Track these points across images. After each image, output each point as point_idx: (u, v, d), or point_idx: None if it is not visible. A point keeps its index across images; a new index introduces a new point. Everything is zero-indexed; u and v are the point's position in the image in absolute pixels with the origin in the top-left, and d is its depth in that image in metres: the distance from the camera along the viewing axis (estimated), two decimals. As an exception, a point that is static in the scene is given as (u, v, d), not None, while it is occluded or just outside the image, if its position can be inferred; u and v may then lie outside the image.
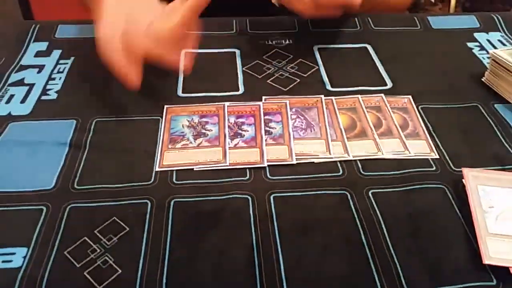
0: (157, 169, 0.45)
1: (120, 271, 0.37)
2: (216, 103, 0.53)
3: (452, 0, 1.90)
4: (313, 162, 0.46)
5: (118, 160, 0.46)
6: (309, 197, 0.43)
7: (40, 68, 0.60)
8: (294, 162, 0.46)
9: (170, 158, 0.46)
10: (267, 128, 0.50)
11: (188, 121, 0.51)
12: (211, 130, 0.50)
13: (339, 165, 0.46)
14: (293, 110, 0.52)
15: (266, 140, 0.48)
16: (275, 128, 0.50)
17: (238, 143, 0.48)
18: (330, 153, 0.47)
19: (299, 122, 0.51)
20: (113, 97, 0.55)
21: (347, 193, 0.43)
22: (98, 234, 0.40)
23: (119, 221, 0.41)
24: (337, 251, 0.38)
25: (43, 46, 0.64)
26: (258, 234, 0.39)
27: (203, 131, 0.50)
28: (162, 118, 0.52)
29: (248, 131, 0.50)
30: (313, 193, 0.43)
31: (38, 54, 0.62)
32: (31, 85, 0.57)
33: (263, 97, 0.54)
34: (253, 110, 0.52)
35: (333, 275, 0.37)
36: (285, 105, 0.53)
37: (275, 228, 0.40)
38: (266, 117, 0.51)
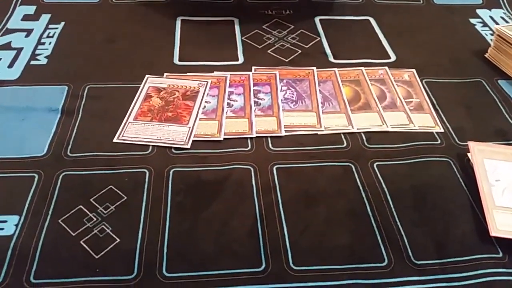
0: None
1: (118, 240, 0.35)
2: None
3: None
4: (316, 134, 0.45)
5: (113, 128, 0.44)
6: (313, 169, 0.42)
7: (28, 32, 0.57)
8: (283, 134, 0.44)
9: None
10: (256, 99, 0.48)
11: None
12: (209, 102, 0.48)
13: (343, 137, 0.45)
14: (284, 81, 0.51)
15: (254, 111, 0.47)
16: (264, 99, 0.48)
17: (226, 112, 0.47)
18: (321, 126, 0.45)
19: (289, 93, 0.49)
20: (106, 63, 0.53)
21: (352, 165, 0.42)
22: (94, 202, 0.38)
23: (116, 190, 0.39)
24: (342, 222, 0.37)
25: (30, 10, 0.61)
26: (262, 205, 0.38)
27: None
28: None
29: (237, 101, 0.48)
30: (316, 164, 0.42)
31: (26, 17, 0.59)
32: (19, 50, 0.54)
33: (253, 67, 0.52)
34: (242, 80, 0.51)
35: (338, 245, 0.36)
36: (275, 76, 0.51)
37: (278, 199, 0.39)
38: (255, 87, 0.50)
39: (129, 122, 0.45)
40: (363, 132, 0.45)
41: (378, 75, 0.52)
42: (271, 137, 0.44)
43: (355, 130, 0.45)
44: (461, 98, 0.50)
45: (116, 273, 0.33)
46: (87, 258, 0.34)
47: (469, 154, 0.42)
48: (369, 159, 0.43)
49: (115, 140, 0.43)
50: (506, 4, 0.67)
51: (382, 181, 0.41)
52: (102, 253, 0.34)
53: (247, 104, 0.48)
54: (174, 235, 0.36)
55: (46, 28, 0.57)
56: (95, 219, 0.37)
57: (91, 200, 0.38)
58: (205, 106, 0.47)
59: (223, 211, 0.38)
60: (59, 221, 0.36)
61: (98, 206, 0.38)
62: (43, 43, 0.55)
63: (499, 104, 0.50)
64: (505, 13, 0.65)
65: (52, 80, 0.50)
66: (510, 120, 0.48)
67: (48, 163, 0.41)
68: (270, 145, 0.44)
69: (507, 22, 0.63)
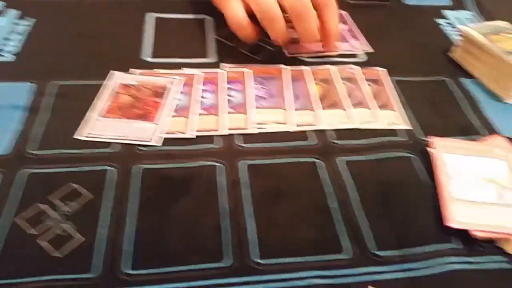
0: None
1: (82, 238, 0.35)
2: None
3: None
4: (286, 131, 0.45)
5: (79, 125, 0.44)
6: (282, 165, 0.42)
7: (-5, 28, 0.55)
8: (254, 131, 0.45)
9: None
10: (227, 97, 0.48)
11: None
12: (180, 100, 0.48)
13: (312, 134, 0.45)
14: (256, 79, 0.51)
15: (226, 108, 0.47)
16: (235, 97, 0.48)
17: (197, 109, 0.47)
18: (291, 123, 0.46)
19: (261, 91, 0.50)
20: (75, 61, 0.52)
21: (319, 161, 0.43)
22: (57, 201, 0.37)
23: (80, 188, 0.39)
24: (309, 217, 0.38)
25: (-2, 6, 0.59)
26: (229, 201, 0.38)
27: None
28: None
29: (208, 98, 0.48)
30: (285, 160, 0.42)
31: (-7, 14, 0.58)
32: (-16, 46, 0.53)
33: (225, 65, 0.53)
34: (214, 77, 0.51)
35: (303, 239, 0.36)
36: (246, 73, 0.51)
37: (246, 195, 0.39)
38: (226, 85, 0.50)
39: (96, 119, 0.44)
40: (332, 129, 0.46)
41: (348, 74, 0.53)
42: (241, 134, 0.45)
43: (324, 127, 0.46)
44: (427, 96, 0.52)
45: (79, 271, 0.33)
46: (49, 257, 0.34)
47: (431, 149, 0.43)
48: (337, 155, 0.43)
49: (80, 137, 0.43)
50: (472, 5, 0.69)
51: (349, 176, 0.41)
52: (65, 252, 0.34)
53: (218, 101, 0.48)
54: (139, 232, 0.36)
55: (15, 24, 0.56)
56: (58, 217, 0.36)
57: (54, 198, 0.38)
58: (175, 103, 0.47)
59: (191, 208, 0.38)
60: (20, 220, 0.36)
61: (62, 205, 0.37)
62: (11, 40, 0.54)
63: (463, 102, 0.51)
64: (470, 14, 0.67)
65: (19, 77, 0.49)
66: (472, 116, 0.49)
67: (11, 162, 0.40)
68: (240, 142, 0.44)
69: (472, 22, 0.65)
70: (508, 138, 0.46)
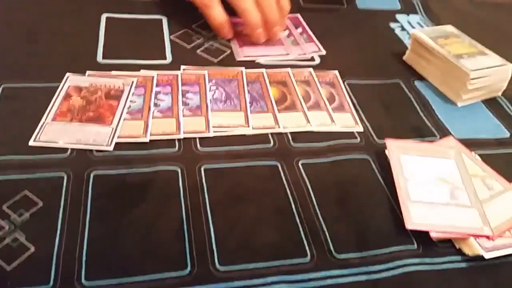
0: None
1: (33, 248, 0.33)
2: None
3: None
4: (244, 134, 0.45)
5: (29, 130, 0.42)
6: (241, 168, 0.42)
7: None
8: (211, 134, 0.44)
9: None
10: (184, 99, 0.48)
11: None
12: (135, 102, 0.46)
13: (270, 136, 0.46)
14: (213, 81, 0.51)
15: (182, 111, 0.46)
16: (192, 99, 0.48)
17: (153, 112, 0.46)
18: (249, 126, 0.46)
19: (218, 93, 0.49)
20: (24, 62, 0.49)
21: (278, 164, 0.43)
22: (6, 209, 0.35)
23: (31, 195, 0.37)
24: (267, 220, 0.38)
25: None
26: (188, 206, 0.38)
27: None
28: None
29: (164, 100, 0.47)
30: (244, 164, 0.42)
31: None
32: None
33: (181, 67, 0.52)
34: (170, 79, 0.50)
35: (263, 243, 0.36)
36: (204, 76, 0.51)
37: (205, 199, 0.39)
38: (183, 87, 0.49)
39: (47, 123, 0.42)
40: (289, 132, 0.46)
41: (303, 77, 0.54)
42: (199, 137, 0.44)
43: (281, 130, 0.46)
44: (380, 98, 0.53)
45: (30, 283, 0.31)
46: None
47: (386, 151, 0.45)
48: (294, 158, 0.44)
49: (30, 143, 0.41)
50: (422, 10, 0.72)
51: (306, 179, 0.42)
52: (15, 263, 0.32)
53: (175, 104, 0.47)
54: (94, 241, 0.34)
55: (-46, 22, 0.53)
56: (7, 227, 0.34)
57: (3, 207, 0.36)
58: (130, 106, 0.46)
59: (148, 215, 0.37)
60: (-34, 231, 0.34)
61: (11, 213, 0.35)
62: (-51, 38, 0.51)
63: (415, 103, 0.53)
64: (421, 19, 0.70)
65: (-40, 78, 0.46)
66: (424, 118, 0.51)
67: (-47, 169, 0.38)
68: (198, 145, 0.44)
69: (422, 26, 0.67)
70: (459, 139, 0.48)
